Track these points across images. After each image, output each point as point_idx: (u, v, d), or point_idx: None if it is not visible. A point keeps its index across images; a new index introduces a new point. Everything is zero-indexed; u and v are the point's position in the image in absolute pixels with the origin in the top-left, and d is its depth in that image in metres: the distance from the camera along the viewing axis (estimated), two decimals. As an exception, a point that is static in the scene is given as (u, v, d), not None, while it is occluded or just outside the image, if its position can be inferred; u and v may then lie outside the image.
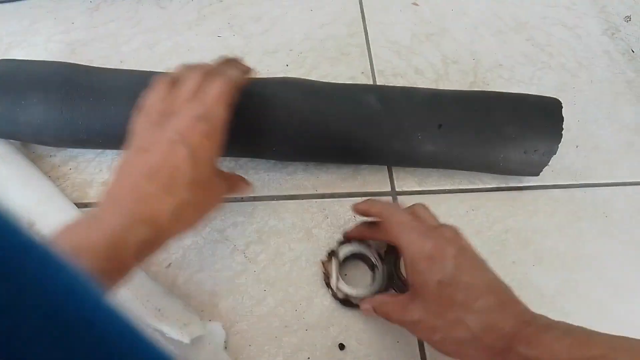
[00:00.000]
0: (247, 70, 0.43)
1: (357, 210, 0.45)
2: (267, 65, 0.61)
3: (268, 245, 0.48)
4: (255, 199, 0.51)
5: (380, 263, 0.45)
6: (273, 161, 0.53)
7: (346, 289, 0.44)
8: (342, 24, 0.66)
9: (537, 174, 0.50)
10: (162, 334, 0.40)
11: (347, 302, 0.45)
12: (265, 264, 0.47)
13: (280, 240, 0.48)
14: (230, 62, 0.43)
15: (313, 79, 0.51)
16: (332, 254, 0.46)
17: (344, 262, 0.46)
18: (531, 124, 0.47)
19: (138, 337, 0.15)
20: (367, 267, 0.47)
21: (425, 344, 0.44)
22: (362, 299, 0.44)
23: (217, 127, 0.37)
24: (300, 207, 0.51)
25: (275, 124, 0.46)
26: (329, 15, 0.67)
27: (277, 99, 0.47)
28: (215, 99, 0.37)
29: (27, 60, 0.49)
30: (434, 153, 0.48)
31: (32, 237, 0.13)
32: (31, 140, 0.49)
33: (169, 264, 0.46)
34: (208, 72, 0.39)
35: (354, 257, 0.47)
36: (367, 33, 0.66)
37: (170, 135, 0.35)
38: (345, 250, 0.46)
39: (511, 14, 0.70)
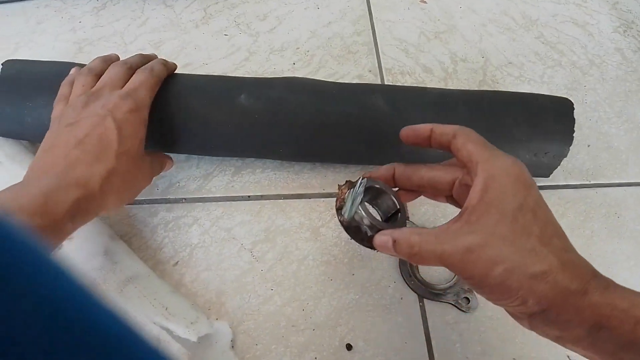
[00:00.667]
0: (172, 66, 0.47)
1: (412, 133, 0.38)
2: (273, 64, 0.60)
3: (275, 244, 0.48)
4: (262, 197, 0.51)
5: (401, 204, 0.39)
6: (280, 161, 0.52)
7: (362, 213, 0.36)
8: (349, 22, 0.66)
9: (547, 176, 0.49)
10: (169, 332, 0.40)
11: (357, 232, 0.36)
12: (273, 263, 0.47)
13: (288, 239, 0.48)
14: (152, 58, 0.47)
15: (319, 79, 0.50)
16: (349, 182, 0.40)
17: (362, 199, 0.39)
18: (541, 126, 0.46)
19: (138, 340, 0.15)
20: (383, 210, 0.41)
21: (434, 344, 0.44)
22: (379, 230, 0.36)
23: (142, 106, 0.40)
24: (308, 206, 0.50)
25: (282, 126, 0.46)
26: (336, 13, 0.66)
27: (284, 100, 0.46)
28: (139, 84, 0.41)
29: (34, 60, 0.49)
30: (442, 154, 0.47)
31: (29, 240, 0.13)
32: (39, 140, 0.48)
33: (176, 262, 0.46)
34: (131, 66, 0.44)
35: (371, 196, 0.40)
36: (374, 31, 0.65)
37: (97, 110, 0.38)
38: (364, 182, 0.38)
39: (521, 11, 0.69)
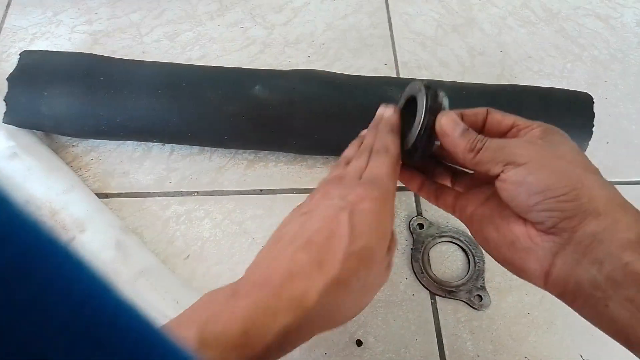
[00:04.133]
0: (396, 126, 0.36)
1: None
2: (288, 57, 0.60)
3: (286, 239, 0.48)
4: (274, 191, 0.50)
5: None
6: (293, 154, 0.52)
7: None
8: (365, 15, 0.65)
9: (565, 171, 0.48)
10: (180, 326, 0.40)
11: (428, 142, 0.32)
12: (284, 258, 0.47)
13: (299, 234, 0.48)
14: (386, 130, 0.36)
15: (335, 71, 0.50)
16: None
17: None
18: (560, 121, 0.45)
19: (160, 336, 0.15)
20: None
21: (445, 341, 0.43)
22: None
23: (388, 196, 0.31)
24: (320, 201, 0.50)
25: (296, 117, 0.46)
26: (352, 5, 0.66)
27: (298, 92, 0.46)
28: (383, 169, 0.32)
29: (50, 51, 0.49)
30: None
31: (52, 235, 0.13)
32: (53, 131, 0.49)
33: (188, 256, 0.46)
34: (374, 151, 0.34)
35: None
36: (391, 24, 0.64)
37: (335, 201, 0.30)
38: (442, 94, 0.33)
39: (541, 4, 0.68)
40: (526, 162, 0.28)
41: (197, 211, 0.49)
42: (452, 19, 0.65)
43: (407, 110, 0.35)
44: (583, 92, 0.48)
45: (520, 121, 0.32)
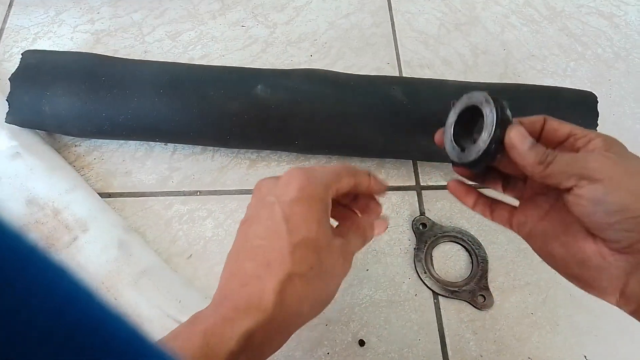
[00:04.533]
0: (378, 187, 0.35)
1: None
2: (291, 56, 0.60)
3: (289, 239, 0.48)
4: (276, 191, 0.50)
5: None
6: (295, 154, 0.52)
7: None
8: (368, 13, 0.65)
9: (568, 171, 0.48)
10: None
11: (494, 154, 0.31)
12: (286, 258, 0.47)
13: (302, 234, 0.48)
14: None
15: (337, 71, 0.50)
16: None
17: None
18: (564, 120, 0.45)
19: (143, 342, 0.15)
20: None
21: (448, 341, 0.43)
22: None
23: (315, 182, 0.30)
24: (322, 200, 0.50)
25: (298, 117, 0.46)
26: (355, 4, 0.65)
27: (300, 91, 0.46)
28: (320, 167, 0.33)
29: (52, 51, 0.49)
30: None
31: (32, 243, 0.13)
32: (56, 130, 0.49)
33: (190, 256, 0.46)
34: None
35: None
36: (393, 22, 0.64)
37: (267, 199, 0.30)
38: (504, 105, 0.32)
39: (545, 3, 0.67)
40: (603, 179, 0.27)
41: (200, 211, 0.49)
42: (455, 17, 0.65)
43: (463, 118, 0.35)
44: (587, 91, 0.47)
45: (577, 130, 0.31)
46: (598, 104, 0.46)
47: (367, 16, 0.64)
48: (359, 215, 0.36)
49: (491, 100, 0.31)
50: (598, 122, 0.45)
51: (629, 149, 0.54)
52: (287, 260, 0.28)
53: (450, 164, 0.36)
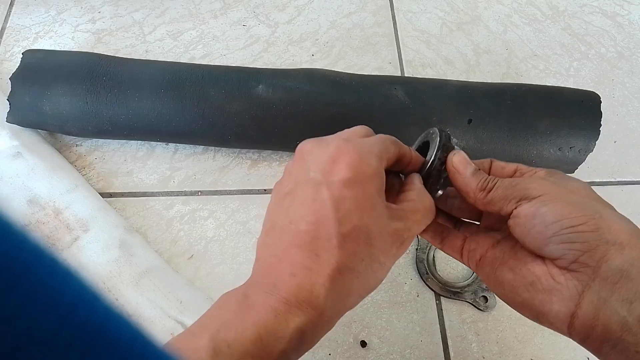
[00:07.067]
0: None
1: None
2: (292, 55, 0.60)
3: (290, 239, 0.47)
4: (278, 191, 0.50)
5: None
6: (297, 153, 0.52)
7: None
8: (369, 13, 0.64)
9: (572, 172, 0.47)
10: (184, 325, 0.40)
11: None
12: (287, 258, 0.46)
13: (303, 234, 0.48)
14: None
15: (339, 70, 0.49)
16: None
17: None
18: (567, 120, 0.45)
19: (148, 344, 0.15)
20: None
21: (451, 342, 0.43)
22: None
23: (368, 156, 0.27)
24: (324, 200, 0.50)
25: (300, 117, 0.45)
26: (356, 3, 0.65)
27: (302, 91, 0.46)
28: (372, 136, 0.30)
29: (53, 50, 0.49)
30: (464, 149, 0.46)
31: (39, 244, 0.13)
32: (57, 130, 0.49)
33: (191, 256, 0.46)
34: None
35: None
36: (395, 22, 0.64)
37: (312, 175, 0.27)
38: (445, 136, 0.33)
39: (547, 2, 0.67)
40: (539, 195, 0.27)
41: (201, 211, 0.49)
42: (457, 16, 0.65)
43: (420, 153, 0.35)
44: (590, 91, 0.47)
45: (523, 167, 0.32)
46: (601, 104, 0.46)
47: (369, 15, 0.64)
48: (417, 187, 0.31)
49: (437, 130, 0.32)
50: (601, 122, 0.45)
51: (633, 150, 0.54)
52: (336, 253, 0.25)
53: None
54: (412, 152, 0.32)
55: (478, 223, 0.35)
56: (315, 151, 0.28)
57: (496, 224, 0.33)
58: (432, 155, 0.32)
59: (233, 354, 0.24)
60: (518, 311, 0.30)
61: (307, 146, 0.29)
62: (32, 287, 0.12)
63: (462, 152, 0.31)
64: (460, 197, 0.32)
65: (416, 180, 0.31)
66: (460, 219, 0.35)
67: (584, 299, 0.26)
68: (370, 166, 0.27)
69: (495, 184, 0.29)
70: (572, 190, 0.28)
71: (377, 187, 0.27)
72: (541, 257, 0.28)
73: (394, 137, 0.31)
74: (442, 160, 0.31)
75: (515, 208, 0.28)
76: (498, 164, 0.33)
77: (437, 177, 0.32)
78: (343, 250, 0.25)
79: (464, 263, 0.33)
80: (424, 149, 0.34)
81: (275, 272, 0.26)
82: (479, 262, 0.31)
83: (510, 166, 0.32)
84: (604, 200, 0.29)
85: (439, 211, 0.35)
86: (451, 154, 0.31)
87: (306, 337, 0.25)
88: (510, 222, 0.29)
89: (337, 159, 0.27)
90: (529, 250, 0.28)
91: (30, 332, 0.11)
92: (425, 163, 0.32)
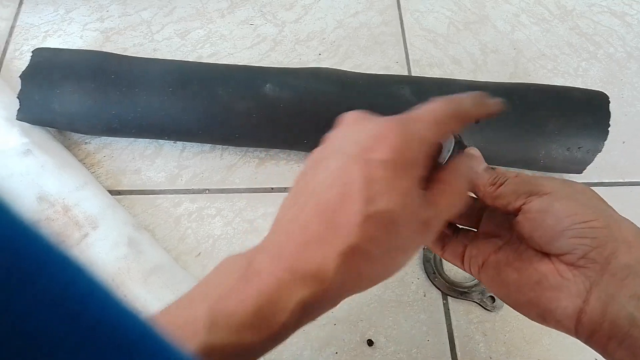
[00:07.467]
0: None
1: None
2: (299, 54, 0.60)
3: (297, 238, 0.48)
4: (286, 190, 0.50)
5: None
6: (304, 152, 0.52)
7: None
8: (377, 12, 0.64)
9: (580, 172, 0.47)
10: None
11: None
12: (294, 257, 0.47)
13: (310, 233, 0.48)
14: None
15: (346, 69, 0.49)
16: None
17: None
18: (575, 120, 0.45)
19: (162, 342, 0.15)
20: None
21: (457, 342, 0.43)
22: None
23: (413, 140, 0.25)
24: (331, 199, 0.50)
25: (306, 115, 0.45)
26: (363, 2, 0.65)
27: (309, 91, 0.46)
28: (424, 111, 0.28)
29: (62, 49, 0.49)
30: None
31: (51, 241, 0.13)
32: (66, 127, 0.49)
33: (199, 254, 0.46)
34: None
35: None
36: (402, 21, 0.64)
37: (348, 148, 0.25)
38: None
39: (555, 1, 0.67)
40: (551, 192, 0.28)
41: (209, 209, 0.49)
42: (464, 16, 0.65)
43: None
44: (598, 91, 0.47)
45: (524, 174, 0.32)
46: (610, 104, 0.45)
47: (376, 15, 0.64)
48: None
49: (451, 135, 0.32)
50: (610, 122, 0.45)
51: (642, 150, 0.53)
52: (355, 232, 0.24)
53: None
54: (482, 108, 0.30)
55: (475, 230, 0.35)
56: (359, 124, 0.27)
57: (495, 230, 0.33)
58: (449, 150, 0.31)
59: (232, 326, 0.23)
60: (522, 312, 0.30)
61: (352, 117, 0.28)
62: (43, 284, 0.12)
63: (477, 149, 0.32)
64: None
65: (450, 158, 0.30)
66: (458, 226, 0.35)
67: (591, 295, 0.26)
68: (414, 152, 0.25)
69: (506, 180, 0.30)
70: (580, 191, 0.28)
71: (416, 175, 0.25)
72: (547, 256, 0.28)
73: (456, 105, 0.29)
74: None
75: (524, 204, 0.28)
76: (499, 169, 0.33)
77: None
78: (362, 231, 0.24)
79: (465, 270, 0.33)
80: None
81: (288, 238, 0.25)
82: (482, 267, 0.31)
83: (512, 172, 0.32)
84: (609, 204, 0.29)
85: None
86: (467, 150, 0.32)
87: (308, 312, 0.24)
88: (520, 217, 0.29)
89: (381, 137, 0.25)
90: (536, 246, 0.28)
91: (42, 328, 0.11)
92: (440, 160, 0.32)
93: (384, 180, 0.24)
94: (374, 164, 0.24)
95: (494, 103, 0.31)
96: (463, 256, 0.33)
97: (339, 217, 0.24)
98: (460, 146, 0.31)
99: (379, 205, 0.24)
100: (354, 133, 0.26)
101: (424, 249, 0.47)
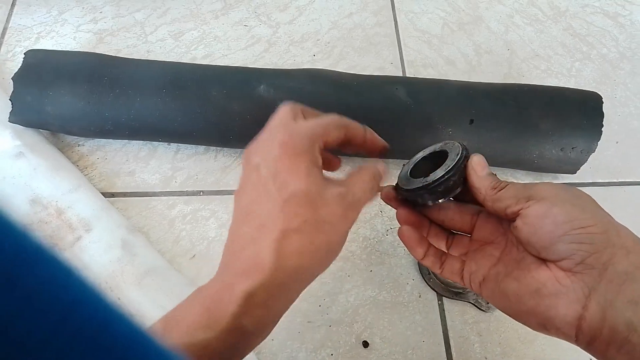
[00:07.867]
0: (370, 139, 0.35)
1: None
2: (293, 55, 0.60)
3: (292, 239, 0.47)
4: (280, 191, 0.50)
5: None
6: (298, 154, 0.52)
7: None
8: (371, 13, 0.64)
9: (574, 172, 0.47)
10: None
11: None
12: (289, 258, 0.46)
13: (305, 235, 0.48)
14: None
15: (340, 70, 0.49)
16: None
17: None
18: (569, 120, 0.45)
19: (149, 342, 0.15)
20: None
21: (453, 343, 0.43)
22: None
23: (302, 136, 0.29)
24: (326, 201, 0.50)
25: (301, 116, 0.45)
26: (358, 3, 0.65)
27: (303, 91, 0.46)
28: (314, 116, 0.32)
29: (55, 50, 0.49)
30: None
31: (39, 242, 0.13)
32: (59, 130, 0.49)
33: (194, 256, 0.46)
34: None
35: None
36: (396, 22, 0.64)
37: (254, 161, 0.29)
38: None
39: (549, 2, 0.67)
40: (549, 197, 0.28)
41: (203, 211, 0.49)
42: (458, 17, 0.65)
43: (426, 161, 0.37)
44: (592, 92, 0.47)
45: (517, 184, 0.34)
46: (603, 104, 0.46)
47: (370, 16, 0.64)
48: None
49: (457, 142, 0.35)
50: (603, 122, 0.45)
51: (635, 150, 0.54)
52: (279, 218, 0.27)
53: None
54: (366, 135, 0.34)
55: (469, 235, 0.35)
56: (254, 144, 0.31)
57: (489, 236, 0.33)
58: (457, 154, 0.33)
59: (181, 328, 0.26)
60: (524, 322, 0.30)
61: (249, 147, 0.31)
62: (34, 287, 0.12)
63: (481, 155, 0.33)
64: (454, 208, 0.35)
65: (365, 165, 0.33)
66: (452, 231, 0.36)
67: (590, 301, 0.26)
68: (302, 141, 0.29)
69: (507, 185, 0.31)
70: (578, 196, 0.29)
71: (309, 158, 0.29)
72: (545, 263, 0.28)
73: (340, 121, 0.32)
74: (461, 168, 0.33)
75: (523, 208, 0.29)
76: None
77: (459, 176, 0.33)
78: (285, 214, 0.27)
79: (465, 285, 0.34)
80: (434, 157, 0.36)
81: (228, 255, 0.29)
82: (483, 281, 0.32)
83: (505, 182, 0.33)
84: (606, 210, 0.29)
85: (432, 222, 0.36)
86: (472, 155, 0.33)
87: (257, 299, 0.26)
88: (518, 222, 0.29)
89: (271, 139, 0.29)
90: (534, 251, 0.29)
91: (31, 331, 0.11)
92: (446, 164, 0.33)
93: (285, 170, 0.28)
94: (272, 162, 0.28)
95: (378, 138, 0.35)
96: (462, 272, 0.34)
97: (264, 216, 0.27)
98: (465, 152, 0.33)
99: (289, 188, 0.27)
100: (254, 150, 0.30)
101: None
